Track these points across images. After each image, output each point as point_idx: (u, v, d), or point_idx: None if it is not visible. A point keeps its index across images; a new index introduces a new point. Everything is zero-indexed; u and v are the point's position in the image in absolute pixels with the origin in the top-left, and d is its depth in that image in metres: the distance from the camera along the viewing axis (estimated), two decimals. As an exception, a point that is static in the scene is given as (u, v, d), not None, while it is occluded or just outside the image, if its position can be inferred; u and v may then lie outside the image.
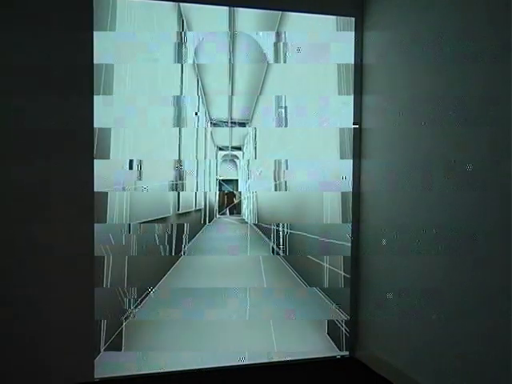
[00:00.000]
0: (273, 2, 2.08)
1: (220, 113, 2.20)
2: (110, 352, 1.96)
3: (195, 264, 2.20)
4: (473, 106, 1.47)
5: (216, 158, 2.36)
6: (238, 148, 2.37)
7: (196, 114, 2.12)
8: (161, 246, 2.08)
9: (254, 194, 2.39)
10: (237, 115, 2.20)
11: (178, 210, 2.21)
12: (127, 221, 2.00)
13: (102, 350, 1.95)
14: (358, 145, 2.20)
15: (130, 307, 2.01)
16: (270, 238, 2.29)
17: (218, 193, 2.31)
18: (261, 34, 2.10)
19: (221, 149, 2.36)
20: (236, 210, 2.36)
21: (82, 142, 1.86)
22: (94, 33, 1.85)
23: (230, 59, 2.09)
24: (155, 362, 2.01)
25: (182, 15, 2.01)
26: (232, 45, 2.08)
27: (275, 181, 2.23)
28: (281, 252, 2.24)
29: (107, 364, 1.95)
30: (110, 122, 1.93)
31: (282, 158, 2.28)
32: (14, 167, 1.79)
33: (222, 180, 2.26)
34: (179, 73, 2.10)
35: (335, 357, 2.20)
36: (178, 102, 2.07)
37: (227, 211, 2.35)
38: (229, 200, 2.34)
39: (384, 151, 2.00)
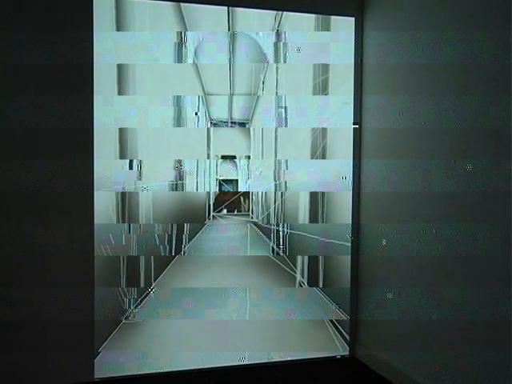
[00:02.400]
0: (273, 1, 2.08)
1: (220, 113, 2.17)
2: (110, 352, 1.96)
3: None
4: (473, 106, 1.47)
5: (208, 136, 1.87)
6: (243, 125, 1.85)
7: (196, 114, 2.11)
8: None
9: (285, 192, 2.01)
10: (237, 115, 2.19)
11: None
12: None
13: (101, 350, 1.95)
14: (358, 145, 2.20)
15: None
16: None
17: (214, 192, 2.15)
18: (261, 34, 2.10)
19: (215, 125, 1.85)
20: (240, 207, 2.13)
21: (82, 142, 1.86)
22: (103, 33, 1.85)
23: (230, 59, 2.08)
24: (155, 362, 2.01)
25: (182, 15, 2.01)
26: (232, 45, 2.07)
27: (275, 181, 2.23)
28: (281, 252, 2.24)
29: (107, 364, 1.95)
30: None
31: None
32: (13, 167, 1.79)
33: (222, 180, 2.25)
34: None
35: (335, 357, 2.20)
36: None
37: (226, 210, 2.14)
38: (226, 197, 2.15)
39: (384, 151, 2.00)
